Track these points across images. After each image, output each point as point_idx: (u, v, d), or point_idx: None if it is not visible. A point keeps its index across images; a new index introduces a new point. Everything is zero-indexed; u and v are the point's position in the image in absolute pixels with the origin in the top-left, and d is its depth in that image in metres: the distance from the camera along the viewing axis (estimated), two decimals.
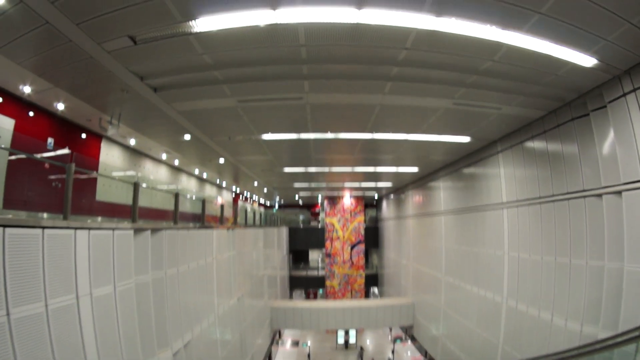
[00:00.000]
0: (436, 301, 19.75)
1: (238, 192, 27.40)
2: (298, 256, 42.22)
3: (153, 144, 13.88)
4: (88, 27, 5.89)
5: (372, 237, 37.32)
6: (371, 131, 12.12)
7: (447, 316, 18.26)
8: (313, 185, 26.19)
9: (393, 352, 28.02)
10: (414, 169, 19.29)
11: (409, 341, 29.87)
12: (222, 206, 14.75)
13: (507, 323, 12.47)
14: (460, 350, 16.24)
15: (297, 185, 26.05)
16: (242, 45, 6.78)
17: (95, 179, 10.28)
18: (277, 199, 38.81)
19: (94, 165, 11.38)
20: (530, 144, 11.26)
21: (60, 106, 9.63)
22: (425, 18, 5.86)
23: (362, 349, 28.36)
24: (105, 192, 10.07)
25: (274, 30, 6.26)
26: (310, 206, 45.87)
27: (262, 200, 37.60)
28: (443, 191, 19.05)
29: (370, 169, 19.27)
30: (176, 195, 9.86)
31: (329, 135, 12.53)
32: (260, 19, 5.86)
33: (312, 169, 19.20)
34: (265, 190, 28.49)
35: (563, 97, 9.03)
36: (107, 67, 7.23)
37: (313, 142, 13.38)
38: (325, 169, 19.29)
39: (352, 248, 35.01)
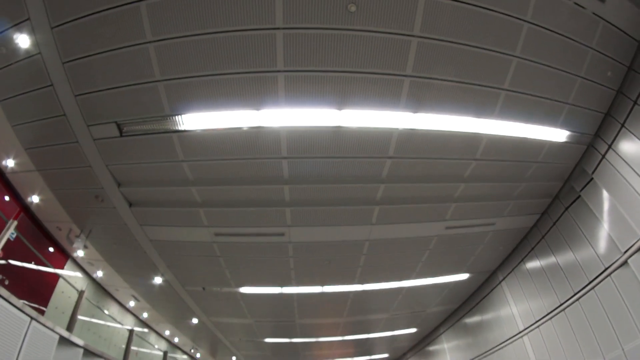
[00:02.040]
0: None
1: None
2: None
3: (121, 284, 11.86)
4: (84, 101, 5.75)
5: None
6: (361, 281, 10.87)
7: None
8: None
9: None
10: (412, 330, 17.19)
11: None
12: None
13: None
14: None
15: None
16: (223, 152, 6.45)
17: None
18: None
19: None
20: (532, 258, 10.18)
21: (35, 198, 8.40)
22: (403, 115, 6.06)
23: None
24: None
25: (257, 135, 6.14)
26: None
27: None
28: (448, 347, 16.58)
29: (363, 336, 17.10)
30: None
31: (316, 290, 11.11)
32: (244, 120, 5.93)
33: (297, 340, 17.03)
34: None
35: (550, 191, 8.78)
36: (88, 159, 6.70)
37: (297, 299, 11.83)
38: (312, 340, 17.10)
39: None
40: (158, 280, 10.68)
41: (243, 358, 21.48)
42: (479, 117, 6.28)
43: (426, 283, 11.56)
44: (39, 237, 9.57)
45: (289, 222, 8.00)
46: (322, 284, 10.83)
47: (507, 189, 8.20)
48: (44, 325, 5.41)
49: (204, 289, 11.25)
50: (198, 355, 21.01)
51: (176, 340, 18.11)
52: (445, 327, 16.76)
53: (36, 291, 5.47)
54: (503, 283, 11.83)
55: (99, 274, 11.40)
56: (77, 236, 9.14)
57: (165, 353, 12.41)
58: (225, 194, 7.36)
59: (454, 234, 9.15)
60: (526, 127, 6.71)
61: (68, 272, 10.24)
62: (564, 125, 6.90)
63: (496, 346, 12.54)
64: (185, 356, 19.70)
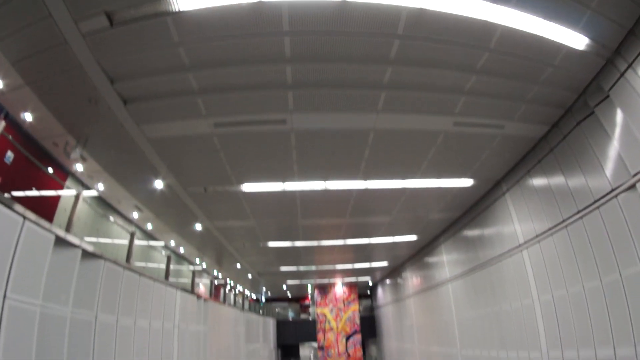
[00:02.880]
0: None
1: (220, 277, 24.69)
2: (287, 352, 38.32)
3: (122, 194, 11.87)
4: None
5: (369, 327, 34.26)
6: (364, 176, 10.71)
7: None
8: (302, 269, 23.95)
9: None
10: (412, 237, 17.53)
11: None
12: (193, 272, 12.69)
13: None
14: None
15: (284, 269, 23.80)
16: (221, 30, 5.95)
17: None
18: (264, 290, 35.92)
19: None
20: (538, 171, 10.12)
21: (28, 117, 8.12)
22: None
23: None
24: None
25: (258, 11, 5.60)
26: (299, 299, 42.79)
27: (247, 293, 34.58)
28: (447, 257, 17.19)
29: (364, 240, 17.43)
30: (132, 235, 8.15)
31: (318, 186, 11.00)
32: None
33: (300, 244, 17.34)
34: (249, 276, 25.92)
35: (563, 102, 8.40)
36: (78, 58, 6.20)
37: (300, 197, 11.78)
38: (314, 243, 17.40)
39: (347, 339, 31.85)
40: (159, 184, 10.48)
41: (247, 264, 22.08)
42: (494, 3, 5.75)
43: (430, 185, 11.47)
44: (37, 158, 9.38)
45: (290, 106, 7.65)
46: (325, 179, 10.71)
47: (520, 90, 7.83)
48: (38, 224, 5.20)
49: (205, 189, 11.08)
50: (204, 264, 21.56)
51: (182, 250, 18.48)
52: (445, 237, 17.14)
53: (38, 212, 5.29)
54: (507, 195, 11.78)
55: (100, 187, 11.29)
56: (74, 147, 8.86)
57: (168, 257, 12.59)
58: (224, 78, 6.94)
59: (462, 132, 8.88)
60: (544, 23, 6.21)
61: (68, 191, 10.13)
62: (584, 30, 6.43)
63: (495, 258, 12.81)
64: (191, 267, 20.13)
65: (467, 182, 11.66)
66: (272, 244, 17.22)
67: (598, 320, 8.36)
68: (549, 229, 9.84)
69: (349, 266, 24.35)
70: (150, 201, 12.25)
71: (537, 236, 10.42)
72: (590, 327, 8.59)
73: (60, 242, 5.58)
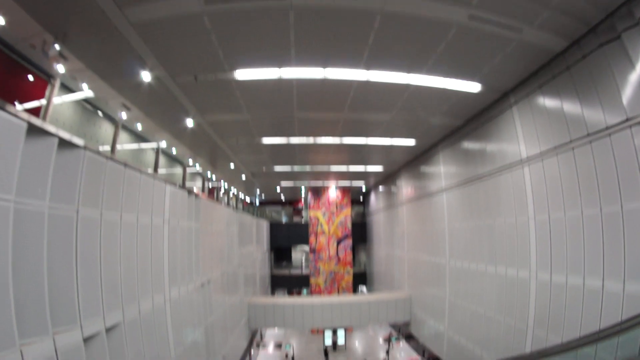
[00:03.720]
0: (439, 291, 17.20)
1: (214, 179, 24.36)
2: (280, 254, 39.60)
3: (109, 93, 10.85)
4: None
5: (360, 233, 34.95)
6: (367, 65, 9.61)
7: (454, 306, 15.71)
8: (296, 169, 23.50)
9: (388, 352, 25.34)
10: (411, 142, 16.77)
11: (402, 341, 27.40)
12: (184, 168, 12.09)
13: (538, 301, 10.15)
14: (475, 343, 13.69)
15: (278, 169, 23.33)
16: None
17: None
18: (258, 192, 36.00)
19: None
20: (551, 88, 9.34)
21: (1, 20, 7.04)
22: None
23: (326, 350, 25.74)
24: None
25: None
26: (292, 202, 43.24)
27: (241, 196, 34.64)
28: (443, 166, 16.57)
29: (361, 140, 16.66)
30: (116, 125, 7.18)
31: (317, 74, 9.95)
32: None
33: (295, 141, 16.58)
34: (243, 177, 25.61)
35: (589, 19, 7.71)
36: None
37: (297, 86, 10.73)
38: (310, 141, 16.65)
39: (338, 243, 32.49)
40: (147, 76, 9.43)
41: (241, 164, 21.55)
42: None
43: (435, 85, 10.47)
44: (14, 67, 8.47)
45: None
46: (325, 66, 9.63)
47: None
48: (6, 111, 4.35)
49: (195, 78, 9.97)
50: (197, 166, 20.98)
51: (174, 151, 17.74)
52: (443, 146, 16.38)
53: None
54: (514, 108, 11.01)
55: (85, 87, 10.25)
56: (52, 44, 7.84)
57: (157, 150, 11.89)
58: None
59: (476, 29, 7.91)
60: None
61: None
62: None
63: (494, 172, 12.26)
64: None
65: (474, 87, 10.72)
66: (266, 140, 16.45)
67: (591, 250, 8.20)
68: (555, 148, 9.30)
69: (343, 168, 23.77)
70: (138, 98, 11.19)
71: (541, 154, 9.88)
72: (582, 254, 8.44)
73: (33, 130, 4.80)
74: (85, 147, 5.70)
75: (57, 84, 9.35)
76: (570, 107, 8.73)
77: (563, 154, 9.01)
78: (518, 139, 10.84)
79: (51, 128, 5.10)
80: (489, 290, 12.70)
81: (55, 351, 4.76)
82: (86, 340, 5.48)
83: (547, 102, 9.56)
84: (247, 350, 20.71)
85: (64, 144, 5.36)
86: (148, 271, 7.71)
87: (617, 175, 7.44)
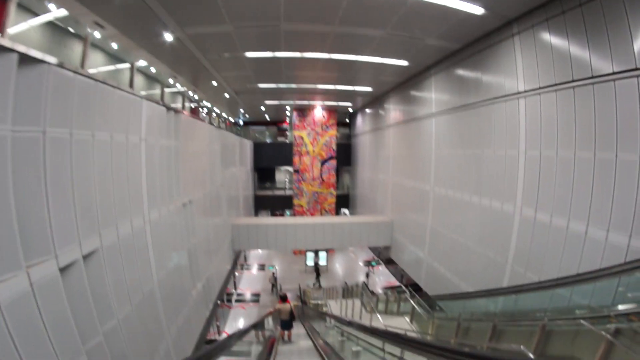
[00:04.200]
0: (422, 218, 17.34)
1: (195, 98, 23.28)
2: (264, 175, 39.51)
3: (79, 10, 9.71)
4: None
5: (344, 155, 34.70)
6: None
7: (435, 234, 15.91)
8: (282, 86, 22.58)
9: (368, 275, 26.22)
10: (403, 62, 15.92)
11: (382, 265, 28.30)
12: (162, 85, 11.33)
13: (520, 238, 10.17)
14: (454, 273, 14.00)
15: (262, 86, 22.37)
16: None
17: None
18: (241, 112, 35.01)
19: None
20: (559, 21, 8.58)
21: None
22: None
23: (317, 266, 26.49)
24: None
25: None
26: (277, 122, 42.44)
27: (224, 115, 33.58)
28: (435, 91, 15.91)
29: (351, 57, 15.73)
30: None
31: None
32: None
33: (281, 55, 15.57)
34: (226, 96, 24.56)
35: None
36: None
37: None
38: (297, 54, 15.66)
39: (322, 164, 32.39)
40: None
41: (224, 81, 20.55)
42: None
43: (435, 1, 9.64)
44: None
45: None
46: None
47: None
48: None
49: None
50: (178, 85, 19.91)
51: (153, 70, 16.64)
52: (437, 70, 15.51)
53: None
54: (516, 37, 10.20)
55: (52, 7, 9.05)
56: None
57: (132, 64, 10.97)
58: None
59: None
60: None
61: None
62: None
63: (488, 101, 11.63)
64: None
65: (476, 10, 9.84)
66: (250, 54, 15.44)
67: (580, 193, 8.02)
68: (555, 85, 8.75)
69: (331, 87, 22.82)
70: (111, 14, 10.09)
71: (540, 88, 9.33)
72: (570, 197, 8.27)
73: None
74: (49, 62, 5.03)
75: None
76: (577, 46, 8.09)
77: (563, 91, 8.52)
78: (517, 70, 10.24)
79: (6, 42, 4.41)
80: (472, 221, 12.75)
81: (31, 285, 4.46)
82: (63, 270, 5.19)
83: (553, 37, 8.86)
84: (231, 272, 21.08)
85: (25, 60, 4.69)
86: (125, 192, 7.31)
87: (617, 123, 7.08)
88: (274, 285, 25.32)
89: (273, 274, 26.42)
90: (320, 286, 23.22)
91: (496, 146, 11.30)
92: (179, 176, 10.71)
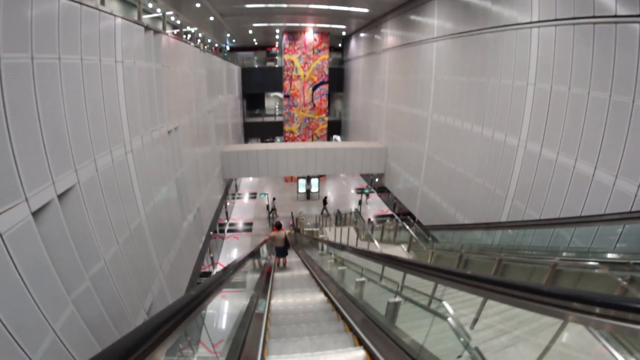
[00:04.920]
0: (418, 145, 16.87)
1: (178, 23, 21.53)
2: (253, 101, 38.29)
3: None
4: None
5: (337, 80, 33.49)
6: None
7: (432, 163, 15.51)
8: (270, 6, 21.06)
9: (360, 202, 26.09)
10: None
11: (374, 193, 28.19)
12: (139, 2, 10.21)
13: (522, 173, 9.81)
14: (450, 203, 13.76)
15: (250, 6, 20.79)
16: None
17: None
18: (228, 37, 33.10)
19: None
20: None
21: None
22: None
23: (326, 198, 26.32)
24: None
25: None
26: (266, 47, 40.53)
27: (209, 41, 31.59)
28: (438, 17, 14.67)
29: None
30: None
31: None
32: None
33: None
34: (211, 19, 22.79)
35: None
36: None
37: None
38: None
39: (314, 89, 31.24)
40: None
41: (208, 3, 19.01)
42: None
43: None
44: None
45: None
46: None
47: None
48: None
49: None
50: (158, 10, 18.22)
51: None
52: None
53: None
54: None
55: None
56: None
57: None
58: None
59: None
60: None
61: None
62: None
63: (495, 28, 10.67)
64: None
65: None
66: None
67: (590, 134, 7.54)
68: (573, 18, 7.90)
69: (324, 7, 21.27)
70: None
71: (556, 20, 8.47)
72: (579, 136, 7.79)
73: None
74: None
75: None
76: None
77: (582, 25, 7.71)
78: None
79: None
80: (472, 151, 12.30)
81: (0, 236, 3.87)
82: (36, 213, 4.64)
83: None
84: (223, 202, 20.73)
85: None
86: (102, 121, 6.57)
87: (638, 68, 6.44)
88: (273, 210, 25.10)
89: (273, 199, 26.21)
90: (328, 214, 23.02)
91: (503, 75, 10.57)
92: (162, 101, 9.91)
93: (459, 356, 2.96)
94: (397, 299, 3.93)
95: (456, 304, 3.44)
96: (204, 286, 2.69)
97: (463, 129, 12.77)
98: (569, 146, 8.14)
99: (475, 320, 3.03)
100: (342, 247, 8.13)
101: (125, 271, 6.89)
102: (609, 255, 5.49)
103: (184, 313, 1.96)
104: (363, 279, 5.42)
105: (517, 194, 9.97)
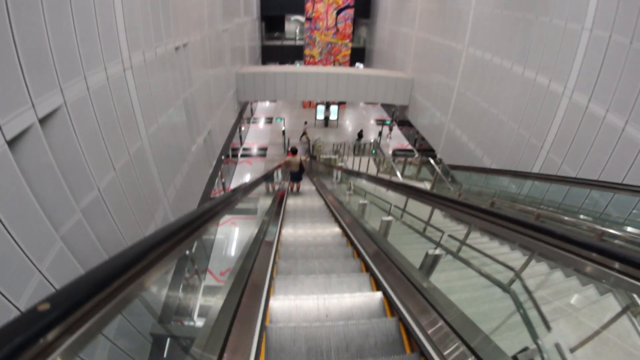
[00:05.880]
0: (449, 79, 15.63)
1: None
2: (272, 24, 36.05)
3: None
4: None
5: (363, 5, 31.21)
6: None
7: (463, 99, 14.39)
8: None
9: (380, 134, 25.03)
10: None
11: (395, 126, 27.09)
12: None
13: (564, 125, 8.85)
14: (478, 144, 12.85)
15: None
16: None
17: None
18: None
19: None
20: None
21: None
22: None
23: (361, 132, 25.27)
24: None
25: None
26: None
27: None
28: None
29: None
30: None
31: None
32: None
33: None
34: None
35: None
36: None
37: None
38: None
39: (338, 13, 29.21)
40: None
41: None
42: None
43: None
44: None
45: None
46: None
47: None
48: None
49: None
50: None
51: None
52: None
53: None
54: None
55: None
56: None
57: None
58: None
59: None
60: None
61: None
62: None
63: None
64: None
65: None
66: None
67: None
68: None
69: None
70: None
71: None
72: (635, 96, 6.84)
73: None
74: None
75: None
76: None
77: None
78: None
79: None
80: (509, 92, 11.21)
81: None
82: (12, 142, 4.00)
83: None
84: (236, 126, 19.90)
85: None
86: (94, 33, 5.65)
87: None
88: (304, 134, 24.36)
89: (305, 122, 25.40)
90: (362, 147, 22.25)
91: (555, 14, 9.29)
92: (168, 12, 8.84)
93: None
94: (438, 251, 3.14)
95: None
96: (206, 207, 2.07)
97: (502, 67, 11.56)
98: (621, 106, 7.22)
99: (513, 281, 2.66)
100: (371, 178, 7.36)
101: (123, 200, 6.36)
102: None
103: (179, 237, 1.51)
104: (390, 217, 4.64)
105: (555, 147, 9.08)
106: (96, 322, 0.89)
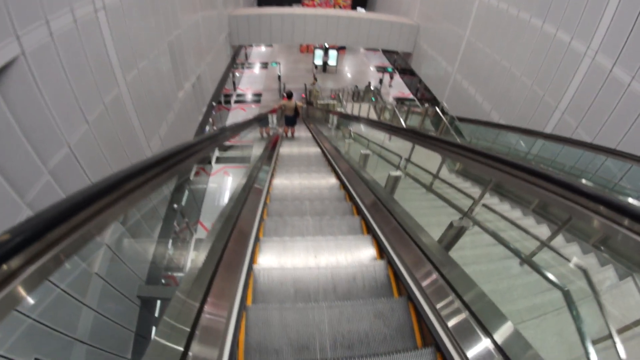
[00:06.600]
0: (458, 28, 14.59)
1: None
2: None
3: None
4: None
5: None
6: None
7: (473, 50, 13.45)
8: None
9: (381, 81, 23.94)
10: None
11: (396, 74, 25.93)
12: None
13: (583, 86, 8.13)
14: (486, 98, 12.10)
15: None
16: None
17: None
18: None
19: None
20: None
21: None
22: None
23: (369, 84, 24.16)
24: None
25: None
26: None
27: None
28: None
29: None
30: None
31: None
32: None
33: None
34: None
35: None
36: None
37: None
38: None
39: None
40: None
41: None
42: None
43: None
44: None
45: None
46: None
47: None
48: None
49: None
50: None
51: None
52: None
53: None
54: None
55: None
56: None
57: None
58: None
59: None
60: None
61: None
62: None
63: None
64: None
65: None
66: None
67: None
68: None
69: None
70: None
71: None
72: None
73: None
74: None
75: None
76: None
77: None
78: None
79: None
80: (525, 46, 10.37)
81: None
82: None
83: None
84: (229, 71, 18.80)
85: None
86: None
87: None
88: (315, 81, 23.38)
89: (316, 66, 24.18)
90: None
91: None
92: None
93: None
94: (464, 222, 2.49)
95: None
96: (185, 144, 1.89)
97: (518, 18, 10.62)
98: None
99: None
100: (368, 122, 6.72)
101: (99, 154, 5.76)
102: None
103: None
104: (398, 173, 3.96)
105: (570, 108, 8.44)
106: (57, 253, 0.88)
